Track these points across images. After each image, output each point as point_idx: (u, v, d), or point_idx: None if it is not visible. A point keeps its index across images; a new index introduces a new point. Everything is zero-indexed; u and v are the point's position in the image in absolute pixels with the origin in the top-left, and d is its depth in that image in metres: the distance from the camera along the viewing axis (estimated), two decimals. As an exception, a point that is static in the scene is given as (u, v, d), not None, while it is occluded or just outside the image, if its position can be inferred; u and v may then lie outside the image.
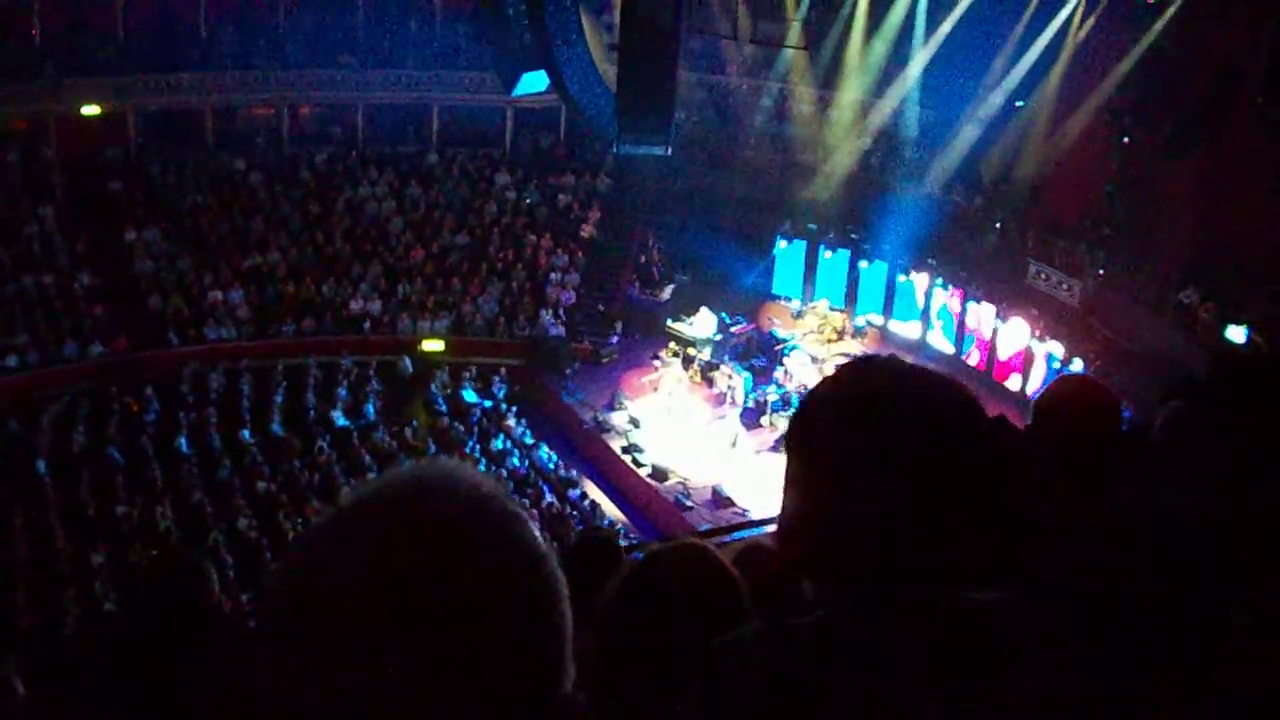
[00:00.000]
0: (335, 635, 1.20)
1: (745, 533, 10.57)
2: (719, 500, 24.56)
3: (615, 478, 26.51)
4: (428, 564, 1.22)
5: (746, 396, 28.02)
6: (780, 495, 1.87)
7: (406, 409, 28.62)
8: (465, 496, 1.29)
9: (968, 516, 1.74)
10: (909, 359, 1.91)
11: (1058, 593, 1.93)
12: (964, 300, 29.59)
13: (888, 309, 31.74)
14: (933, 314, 30.56)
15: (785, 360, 28.74)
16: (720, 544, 3.66)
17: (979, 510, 1.75)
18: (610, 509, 25.48)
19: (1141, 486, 2.47)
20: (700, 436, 26.82)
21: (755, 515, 21.93)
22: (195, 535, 21.99)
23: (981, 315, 29.13)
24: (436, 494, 1.28)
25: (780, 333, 30.40)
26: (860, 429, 1.78)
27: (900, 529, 1.74)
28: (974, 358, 29.26)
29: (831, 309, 31.79)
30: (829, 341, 30.57)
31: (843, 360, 2.82)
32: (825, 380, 1.91)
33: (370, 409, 28.48)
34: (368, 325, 31.28)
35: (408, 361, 29.85)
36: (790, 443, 1.88)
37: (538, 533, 1.32)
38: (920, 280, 30.23)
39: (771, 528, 8.00)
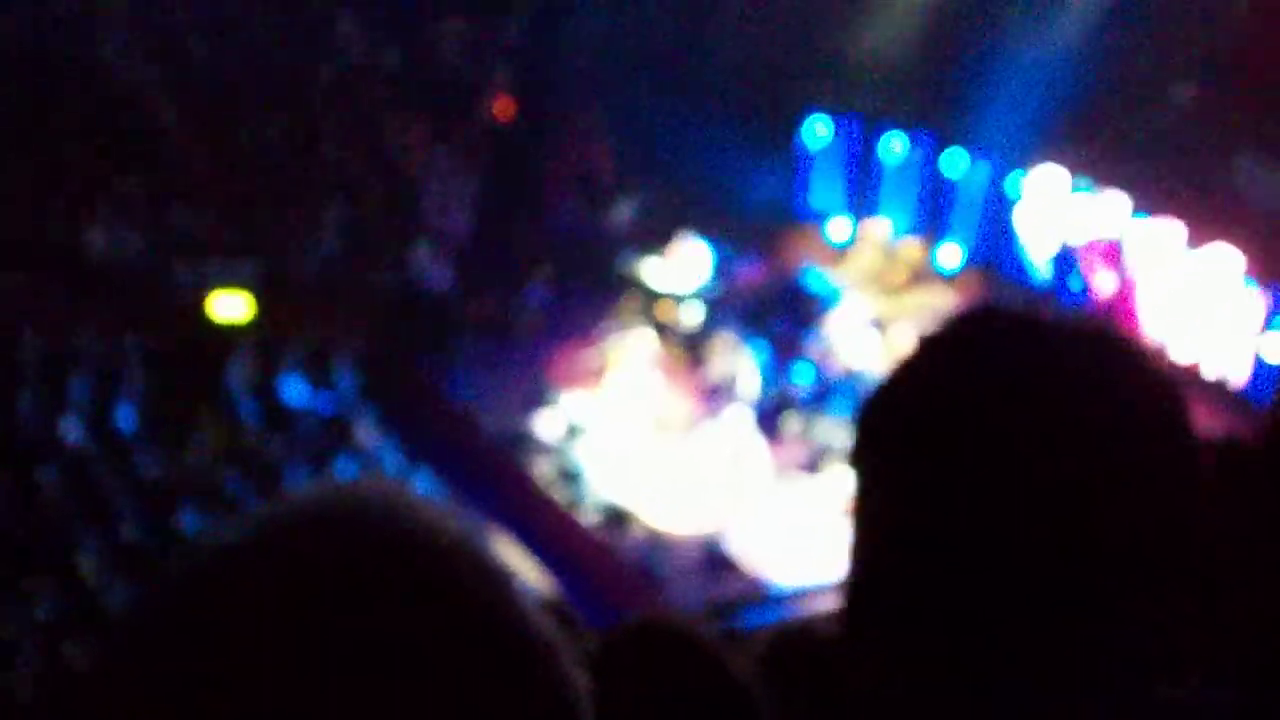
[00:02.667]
0: None
1: (765, 615, 10.88)
2: (715, 562, 24.48)
3: (541, 526, 25.92)
4: (355, 675, 1.23)
5: (761, 386, 27.74)
6: (842, 547, 1.97)
7: (188, 415, 27.69)
8: (418, 548, 1.31)
9: (1160, 571, 1.81)
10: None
11: None
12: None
13: (994, 238, 30.98)
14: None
15: (824, 324, 28.67)
16: (724, 633, 1.72)
17: (1177, 560, 1.82)
18: (533, 578, 25.06)
19: None
20: (682, 455, 26.48)
21: (779, 584, 22.82)
22: None
23: (1158, 244, 28.32)
24: (367, 544, 1.30)
25: (818, 277, 30.53)
26: (983, 433, 1.82)
27: (1051, 593, 1.79)
28: (1139, 319, 28.37)
29: (901, 238, 31.54)
30: (898, 291, 30.37)
31: (928, 319, 2.72)
32: (915, 352, 1.98)
33: (126, 417, 27.50)
34: (121, 277, 30.13)
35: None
36: (857, 459, 1.96)
37: (537, 608, 1.34)
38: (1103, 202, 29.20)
39: (816, 604, 8.80)
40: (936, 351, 1.96)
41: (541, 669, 1.32)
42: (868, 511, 1.92)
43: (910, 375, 1.95)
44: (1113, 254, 29.35)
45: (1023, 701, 1.79)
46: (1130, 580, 1.78)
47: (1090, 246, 29.77)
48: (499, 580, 1.34)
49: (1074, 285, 30.16)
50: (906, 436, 1.88)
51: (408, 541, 1.31)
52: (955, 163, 31.39)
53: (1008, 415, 1.81)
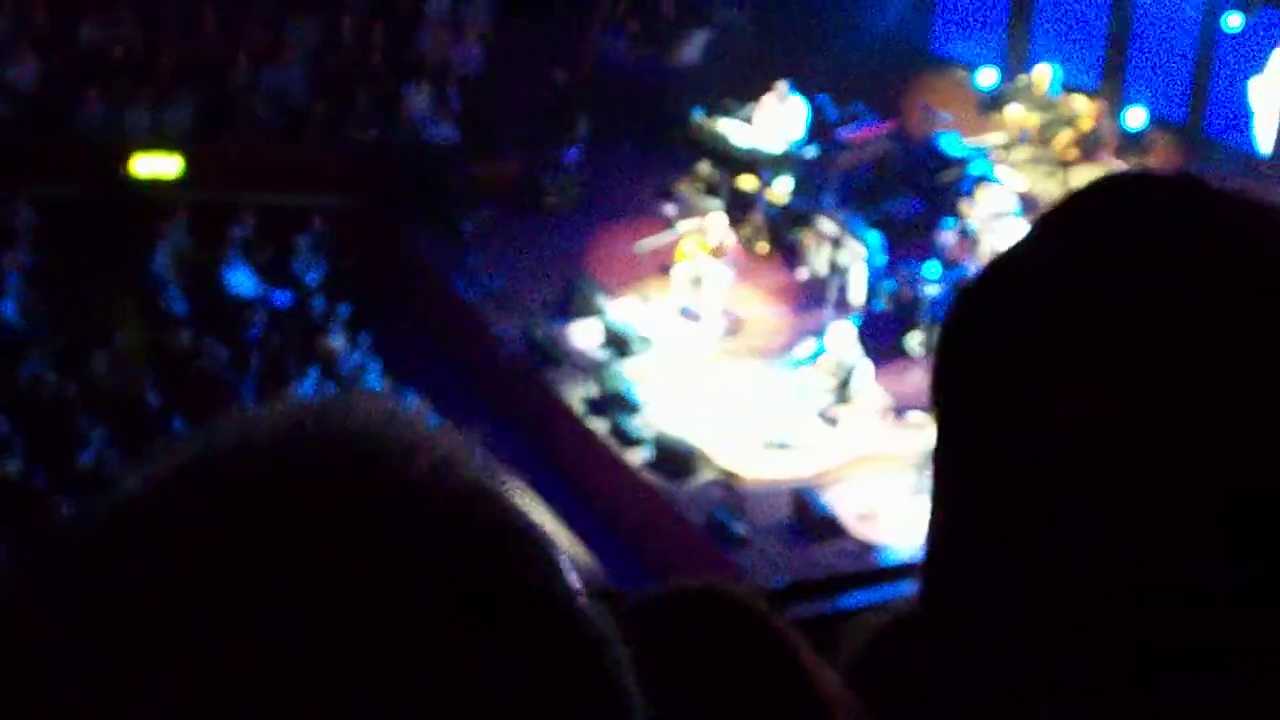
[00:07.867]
0: None
1: (874, 593, 6.31)
2: (808, 520, 23.20)
3: (574, 469, 24.91)
4: (345, 672, 1.07)
5: (873, 287, 26.26)
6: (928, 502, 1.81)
7: (97, 307, 27.12)
8: (422, 494, 1.15)
9: None
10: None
11: None
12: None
13: (1196, 94, 28.69)
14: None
15: (963, 204, 26.70)
16: (817, 618, 4.05)
17: None
18: (564, 540, 21.46)
19: None
20: (765, 379, 25.38)
21: (892, 551, 21.95)
22: None
23: None
24: (349, 490, 1.13)
25: (955, 142, 28.23)
26: (1124, 341, 1.60)
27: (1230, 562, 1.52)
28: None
29: (1069, 90, 29.24)
30: (1066, 161, 28.16)
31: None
32: (1032, 233, 1.76)
33: (9, 308, 26.90)
34: (13, 116, 28.94)
35: None
36: (940, 383, 1.74)
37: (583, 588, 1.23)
38: None
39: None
40: (1051, 235, 1.70)
41: (592, 667, 1.15)
42: (952, 457, 1.67)
43: (1008, 267, 1.71)
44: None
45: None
46: None
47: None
48: (534, 542, 1.15)
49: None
50: (1010, 345, 1.62)
51: (407, 486, 1.11)
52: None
53: (1165, 323, 1.55)
